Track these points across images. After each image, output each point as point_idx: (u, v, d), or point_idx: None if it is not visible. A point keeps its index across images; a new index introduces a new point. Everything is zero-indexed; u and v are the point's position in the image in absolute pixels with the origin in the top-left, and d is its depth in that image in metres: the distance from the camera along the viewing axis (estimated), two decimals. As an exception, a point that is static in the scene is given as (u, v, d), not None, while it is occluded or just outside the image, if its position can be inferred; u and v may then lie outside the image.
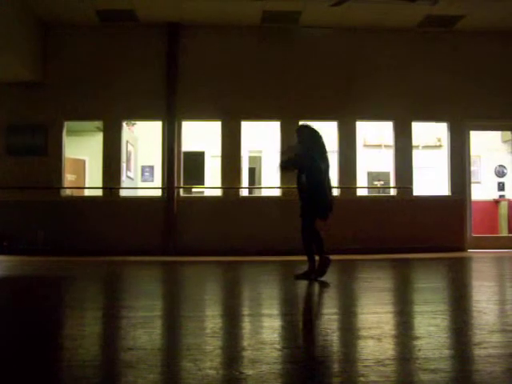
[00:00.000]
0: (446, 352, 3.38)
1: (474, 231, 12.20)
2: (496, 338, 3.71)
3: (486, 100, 12.10)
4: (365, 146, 14.55)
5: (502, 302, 5.50)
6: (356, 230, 11.52)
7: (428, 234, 11.49)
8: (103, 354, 3.48)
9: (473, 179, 12.69)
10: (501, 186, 13.60)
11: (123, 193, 12.03)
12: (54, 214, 11.37)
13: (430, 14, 11.21)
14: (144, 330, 3.94)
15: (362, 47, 12.11)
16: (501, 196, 13.67)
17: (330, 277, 6.82)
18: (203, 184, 14.67)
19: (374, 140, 14.73)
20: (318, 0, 10.38)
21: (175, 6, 10.95)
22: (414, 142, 12.39)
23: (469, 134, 12.21)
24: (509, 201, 13.30)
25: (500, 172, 14.07)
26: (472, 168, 12.71)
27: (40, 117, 11.61)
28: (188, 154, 12.47)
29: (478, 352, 3.33)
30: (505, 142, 14.27)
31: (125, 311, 4.96)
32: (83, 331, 4.10)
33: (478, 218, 12.81)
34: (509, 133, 12.83)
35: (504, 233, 13.19)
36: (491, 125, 12.67)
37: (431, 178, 13.37)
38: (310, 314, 4.73)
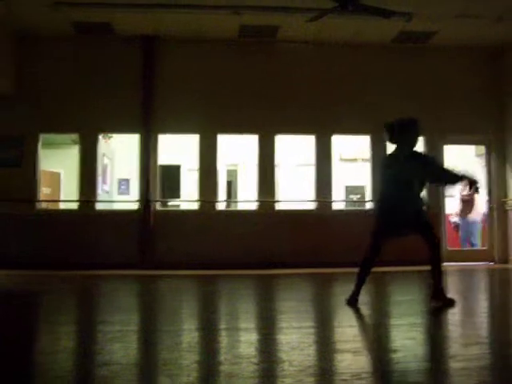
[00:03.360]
0: (423, 365, 3.40)
1: (448, 245, 12.32)
2: (470, 350, 3.75)
3: (460, 115, 12.25)
4: (341, 159, 14.65)
5: (477, 315, 5.56)
6: (332, 242, 11.55)
7: (403, 248, 11.51)
8: (78, 369, 3.44)
9: (447, 193, 12.82)
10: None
11: (99, 206, 11.92)
12: (29, 228, 11.21)
13: (403, 30, 11.36)
14: (120, 345, 3.90)
15: (339, 62, 12.20)
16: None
17: (306, 290, 6.83)
18: (180, 197, 14.63)
19: (351, 154, 14.83)
20: (294, 15, 10.45)
21: (152, 19, 10.95)
22: (388, 154, 12.46)
23: (443, 148, 12.35)
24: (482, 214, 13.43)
25: (474, 186, 14.21)
26: (447, 182, 12.82)
27: (15, 129, 11.47)
28: (164, 168, 12.44)
29: (454, 365, 3.36)
30: (478, 156, 14.45)
31: (100, 325, 4.91)
32: (57, 346, 4.05)
33: (453, 231, 12.94)
34: (482, 147, 13.00)
35: (478, 246, 13.32)
36: (465, 139, 12.83)
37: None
38: (287, 328, 4.73)
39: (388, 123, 6.04)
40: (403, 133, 5.96)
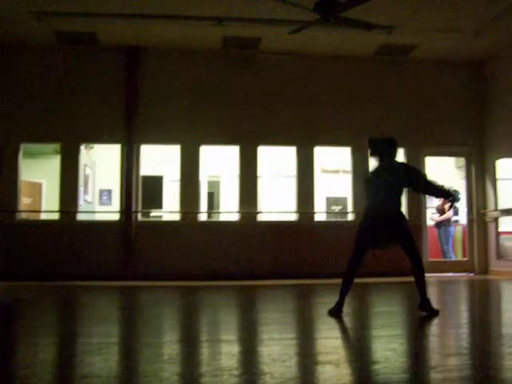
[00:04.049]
0: (403, 376, 3.41)
1: (429, 255, 12.40)
2: (451, 361, 3.77)
3: (441, 127, 12.40)
4: (323, 171, 14.70)
5: (457, 326, 5.59)
6: (314, 253, 11.57)
7: (385, 259, 11.58)
8: (57, 382, 3.41)
9: (428, 204, 12.91)
10: (455, 211, 13.84)
11: (80, 216, 11.84)
12: (9, 238, 11.09)
13: (385, 43, 11.48)
14: (100, 357, 3.87)
15: (321, 74, 12.29)
16: (455, 221, 13.90)
17: (288, 301, 6.83)
18: (161, 208, 14.58)
19: (333, 165, 14.89)
20: (277, 27, 10.51)
21: (136, 29, 10.95)
22: (371, 168, 12.53)
23: (424, 159, 12.45)
24: (463, 226, 13.55)
25: (454, 197, 14.32)
26: (427, 193, 12.90)
27: (-5, 138, 11.40)
28: (146, 178, 12.39)
29: (434, 376, 3.38)
30: (458, 167, 14.59)
31: (80, 337, 4.87)
32: (36, 358, 4.00)
33: (433, 242, 13.03)
34: (462, 159, 13.13)
35: (459, 257, 13.43)
36: (446, 151, 12.97)
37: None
38: (268, 340, 4.72)
39: (371, 139, 6.29)
40: (384, 149, 6.24)
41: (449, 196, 6.24)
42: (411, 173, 6.17)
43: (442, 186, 6.23)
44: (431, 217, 13.31)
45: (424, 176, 6.28)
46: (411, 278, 5.96)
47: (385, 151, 6.21)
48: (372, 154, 6.33)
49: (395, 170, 6.11)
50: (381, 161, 6.25)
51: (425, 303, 5.87)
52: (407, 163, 6.42)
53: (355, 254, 6.00)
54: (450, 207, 6.67)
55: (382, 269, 11.07)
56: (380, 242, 6.03)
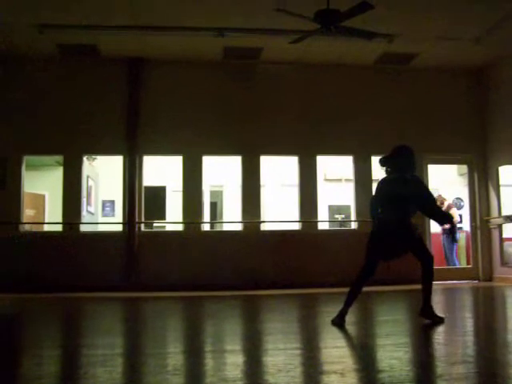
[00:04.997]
0: (409, 385, 3.39)
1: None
2: (457, 369, 3.74)
3: (443, 134, 12.39)
4: (325, 180, 14.71)
5: (462, 334, 5.56)
6: (318, 263, 11.54)
7: (396, 268, 11.54)
8: (62, 394, 3.39)
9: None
10: (458, 219, 13.82)
11: (83, 228, 11.85)
12: (12, 250, 11.10)
13: (386, 52, 11.50)
14: (104, 369, 3.85)
15: (322, 83, 12.31)
16: (459, 228, 13.87)
17: (292, 311, 6.81)
18: (164, 219, 14.58)
19: (335, 174, 14.91)
20: (277, 37, 10.55)
21: (138, 41, 11.00)
22: (374, 176, 12.55)
23: (426, 167, 12.45)
24: (466, 232, 13.53)
25: (457, 204, 14.33)
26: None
27: (-2, 150, 11.43)
28: (149, 189, 12.41)
29: (440, 384, 3.36)
30: (461, 175, 14.58)
31: (84, 349, 4.85)
32: (41, 371, 3.99)
33: (436, 250, 13.00)
34: (465, 166, 13.13)
35: (463, 264, 13.40)
36: (448, 158, 12.96)
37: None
38: (273, 350, 4.70)
39: (380, 161, 6.14)
40: (392, 160, 6.07)
41: (450, 220, 6.21)
42: (417, 187, 5.93)
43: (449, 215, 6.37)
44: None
45: (430, 194, 6.06)
46: (418, 286, 5.93)
47: (397, 164, 6.01)
48: (387, 173, 6.13)
49: (401, 182, 5.90)
50: (391, 173, 6.08)
51: (427, 310, 5.82)
52: (417, 177, 6.13)
53: (366, 264, 5.98)
54: (451, 232, 6.68)
55: (391, 277, 10.98)
56: (391, 254, 5.96)
